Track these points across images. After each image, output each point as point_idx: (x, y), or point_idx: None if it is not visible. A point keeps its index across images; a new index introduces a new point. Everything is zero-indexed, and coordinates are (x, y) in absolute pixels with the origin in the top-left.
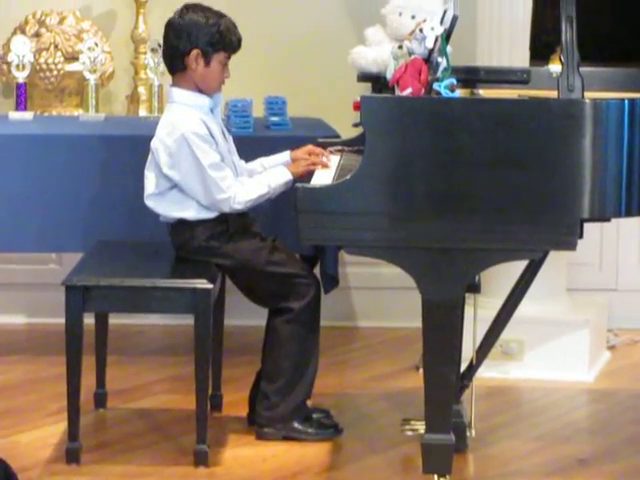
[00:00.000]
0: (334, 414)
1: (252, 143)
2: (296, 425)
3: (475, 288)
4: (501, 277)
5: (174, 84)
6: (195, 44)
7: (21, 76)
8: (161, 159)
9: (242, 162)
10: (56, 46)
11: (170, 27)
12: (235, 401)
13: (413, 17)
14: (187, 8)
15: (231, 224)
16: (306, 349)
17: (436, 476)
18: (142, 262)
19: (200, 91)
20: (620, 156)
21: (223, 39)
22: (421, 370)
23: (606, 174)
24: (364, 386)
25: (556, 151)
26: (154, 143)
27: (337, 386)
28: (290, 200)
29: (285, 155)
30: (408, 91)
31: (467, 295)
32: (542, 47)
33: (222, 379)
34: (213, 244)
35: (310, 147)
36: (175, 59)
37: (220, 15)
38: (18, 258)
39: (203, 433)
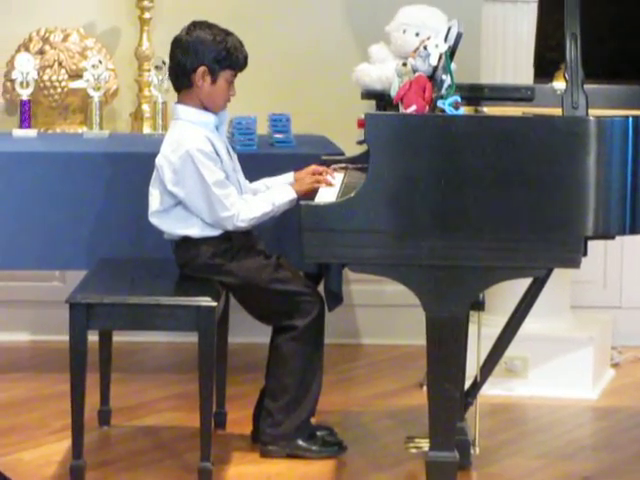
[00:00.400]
0: (338, 431)
1: (256, 160)
2: (300, 443)
3: (479, 306)
4: (505, 295)
5: (179, 101)
6: (202, 61)
7: (25, 93)
8: (165, 176)
9: (246, 182)
10: (60, 63)
11: (177, 44)
12: (239, 418)
13: (417, 34)
14: (194, 25)
15: (235, 242)
16: (310, 367)
17: None
18: (146, 280)
19: (205, 108)
20: (624, 173)
21: (230, 56)
22: (425, 387)
23: (610, 191)
24: (368, 403)
25: (560, 169)
26: (159, 160)
27: (341, 404)
28: (294, 218)
29: (289, 176)
30: (412, 108)
31: (471, 313)
32: (546, 64)
33: (226, 396)
34: (217, 262)
35: (314, 167)
36: (182, 76)
37: (227, 33)
38: (21, 275)
39: (207, 451)
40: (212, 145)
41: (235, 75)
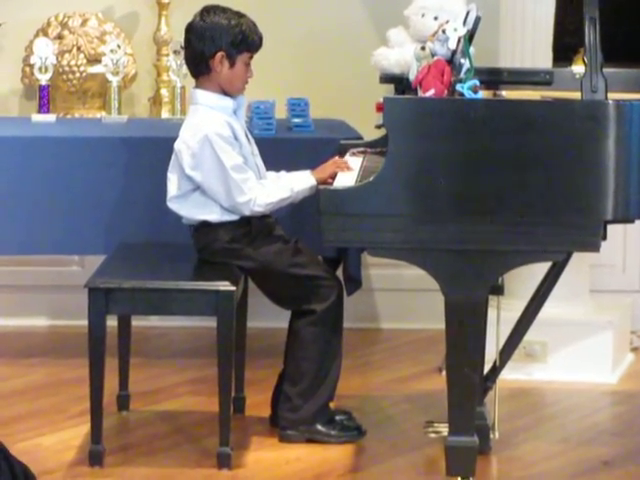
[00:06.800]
0: (357, 416)
1: (274, 145)
2: (319, 427)
3: (498, 290)
4: (524, 279)
5: (198, 86)
6: (219, 46)
7: (44, 78)
8: (184, 160)
9: (263, 169)
10: (79, 48)
11: (192, 30)
12: (258, 403)
13: (436, 18)
14: (207, 10)
15: (254, 226)
16: (329, 351)
17: (459, 478)
18: (165, 264)
19: (224, 93)
20: None
21: (246, 39)
22: (444, 372)
23: (630, 175)
24: (387, 388)
25: (579, 153)
26: (178, 144)
27: (360, 388)
28: (313, 202)
29: (306, 173)
30: (431, 92)
31: (490, 297)
32: (565, 48)
33: (245, 381)
34: (236, 246)
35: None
36: (200, 62)
37: (240, 15)
38: (40, 260)
39: (226, 435)
40: (231, 129)
41: (251, 57)
